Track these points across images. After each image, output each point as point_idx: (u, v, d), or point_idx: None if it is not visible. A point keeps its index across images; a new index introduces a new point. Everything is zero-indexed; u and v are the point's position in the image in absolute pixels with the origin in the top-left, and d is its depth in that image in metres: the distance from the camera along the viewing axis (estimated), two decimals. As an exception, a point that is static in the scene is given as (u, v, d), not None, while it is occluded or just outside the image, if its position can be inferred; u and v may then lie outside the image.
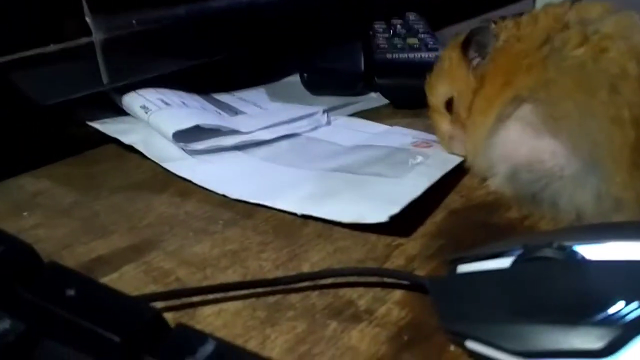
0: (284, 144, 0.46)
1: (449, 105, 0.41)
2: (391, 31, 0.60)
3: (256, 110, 0.50)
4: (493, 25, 0.39)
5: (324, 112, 0.50)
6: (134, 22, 0.43)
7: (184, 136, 0.42)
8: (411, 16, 0.64)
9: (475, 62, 0.39)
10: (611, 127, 0.32)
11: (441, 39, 0.57)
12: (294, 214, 0.37)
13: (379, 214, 0.35)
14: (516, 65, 0.36)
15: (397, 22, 0.62)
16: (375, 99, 0.54)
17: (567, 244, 0.26)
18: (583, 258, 0.25)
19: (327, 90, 0.54)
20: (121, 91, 0.46)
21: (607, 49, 0.33)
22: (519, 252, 0.27)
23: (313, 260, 0.33)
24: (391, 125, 0.49)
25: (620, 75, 0.32)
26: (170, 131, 0.41)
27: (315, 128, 0.48)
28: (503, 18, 0.40)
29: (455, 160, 0.41)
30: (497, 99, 0.36)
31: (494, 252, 0.29)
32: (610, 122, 0.32)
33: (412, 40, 0.57)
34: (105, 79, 0.43)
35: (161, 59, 0.46)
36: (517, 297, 0.25)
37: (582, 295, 0.24)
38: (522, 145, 0.35)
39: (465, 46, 0.39)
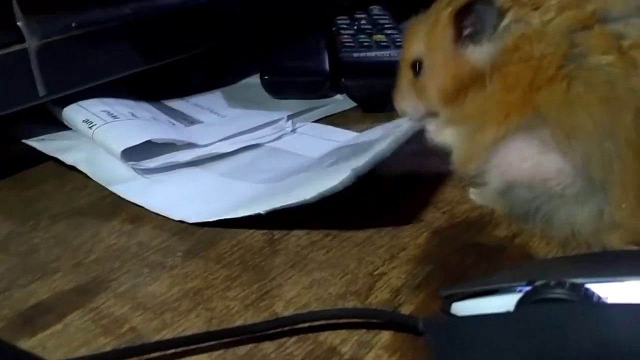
0: (245, 156, 0.41)
1: (416, 66, 0.36)
2: (355, 27, 0.56)
3: (214, 118, 0.45)
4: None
5: (288, 118, 0.46)
6: (73, 24, 0.38)
7: (134, 153, 0.38)
8: (375, 10, 0.61)
9: (466, 32, 0.33)
10: (629, 152, 0.29)
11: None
12: (259, 220, 0.33)
13: (343, 174, 0.31)
14: (537, 77, 0.31)
15: (361, 17, 0.59)
16: (341, 102, 0.50)
17: (578, 281, 0.23)
18: (600, 300, 0.22)
19: (290, 93, 0.50)
20: (61, 103, 0.41)
21: (636, 62, 0.30)
22: (522, 288, 0.24)
23: (287, 297, 0.30)
24: (361, 131, 0.46)
25: None
26: (119, 149, 0.37)
27: (280, 137, 0.44)
28: None
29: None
30: (514, 112, 0.31)
31: (493, 287, 0.25)
32: (628, 148, 0.29)
33: (379, 37, 0.53)
34: (41, 90, 0.38)
35: (106, 64, 0.41)
36: (531, 351, 0.21)
37: (606, 348, 0.21)
38: (526, 160, 0.32)
39: (462, 13, 0.33)
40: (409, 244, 0.33)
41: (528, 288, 0.24)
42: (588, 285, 0.23)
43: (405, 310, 0.29)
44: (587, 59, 0.30)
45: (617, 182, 0.30)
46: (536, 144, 0.31)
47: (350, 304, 0.29)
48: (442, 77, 0.34)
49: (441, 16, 0.34)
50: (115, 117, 0.39)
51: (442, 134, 0.36)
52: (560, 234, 0.33)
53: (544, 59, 0.31)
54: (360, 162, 0.32)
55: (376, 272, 0.31)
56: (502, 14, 0.32)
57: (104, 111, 0.40)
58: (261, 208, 0.32)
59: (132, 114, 0.41)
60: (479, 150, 0.33)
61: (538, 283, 0.24)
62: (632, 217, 0.30)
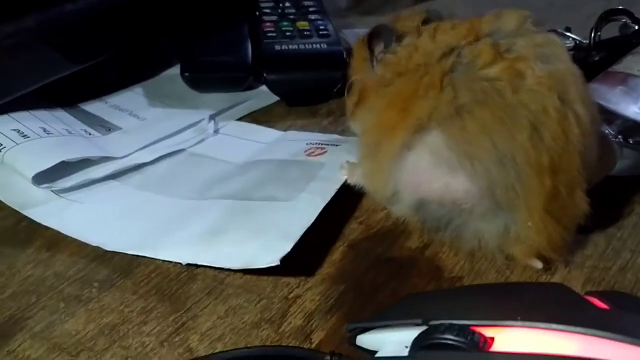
0: (164, 165, 0.41)
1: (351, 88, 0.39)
2: (279, 10, 0.55)
3: (133, 123, 0.45)
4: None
5: (210, 118, 0.46)
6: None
7: (47, 173, 0.37)
8: (302, -12, 0.60)
9: (377, 52, 0.37)
10: (529, 174, 0.30)
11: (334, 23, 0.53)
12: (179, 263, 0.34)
13: (270, 255, 0.32)
14: (414, 85, 0.32)
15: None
16: (266, 94, 0.50)
17: (468, 322, 0.24)
18: (485, 349, 0.24)
19: (213, 87, 0.49)
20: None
21: (523, 74, 0.30)
22: (417, 326, 0.25)
23: (202, 329, 0.30)
24: (285, 129, 0.46)
25: (541, 114, 0.30)
26: (30, 174, 0.36)
27: (201, 140, 0.44)
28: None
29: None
30: (399, 125, 0.32)
31: (393, 323, 0.27)
32: (528, 169, 0.30)
33: (302, 24, 0.52)
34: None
35: (19, 78, 0.40)
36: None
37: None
38: (435, 180, 0.32)
39: (371, 37, 0.37)
40: (325, 261, 0.34)
41: (422, 328, 0.25)
42: (476, 329, 0.24)
43: (316, 337, 0.30)
44: (469, 68, 0.31)
45: (522, 204, 0.31)
46: (444, 166, 0.32)
47: (264, 333, 0.30)
48: (355, 93, 0.38)
49: (359, 46, 0.38)
50: (25, 136, 0.38)
51: (353, 174, 0.38)
52: (468, 246, 0.34)
53: (428, 68, 0.32)
54: (289, 245, 0.32)
55: (291, 295, 0.32)
56: (400, 36, 0.35)
57: (14, 130, 0.39)
58: (183, 259, 0.33)
59: (44, 130, 0.39)
60: (383, 166, 0.34)
61: (431, 323, 0.25)
62: (538, 235, 0.32)
